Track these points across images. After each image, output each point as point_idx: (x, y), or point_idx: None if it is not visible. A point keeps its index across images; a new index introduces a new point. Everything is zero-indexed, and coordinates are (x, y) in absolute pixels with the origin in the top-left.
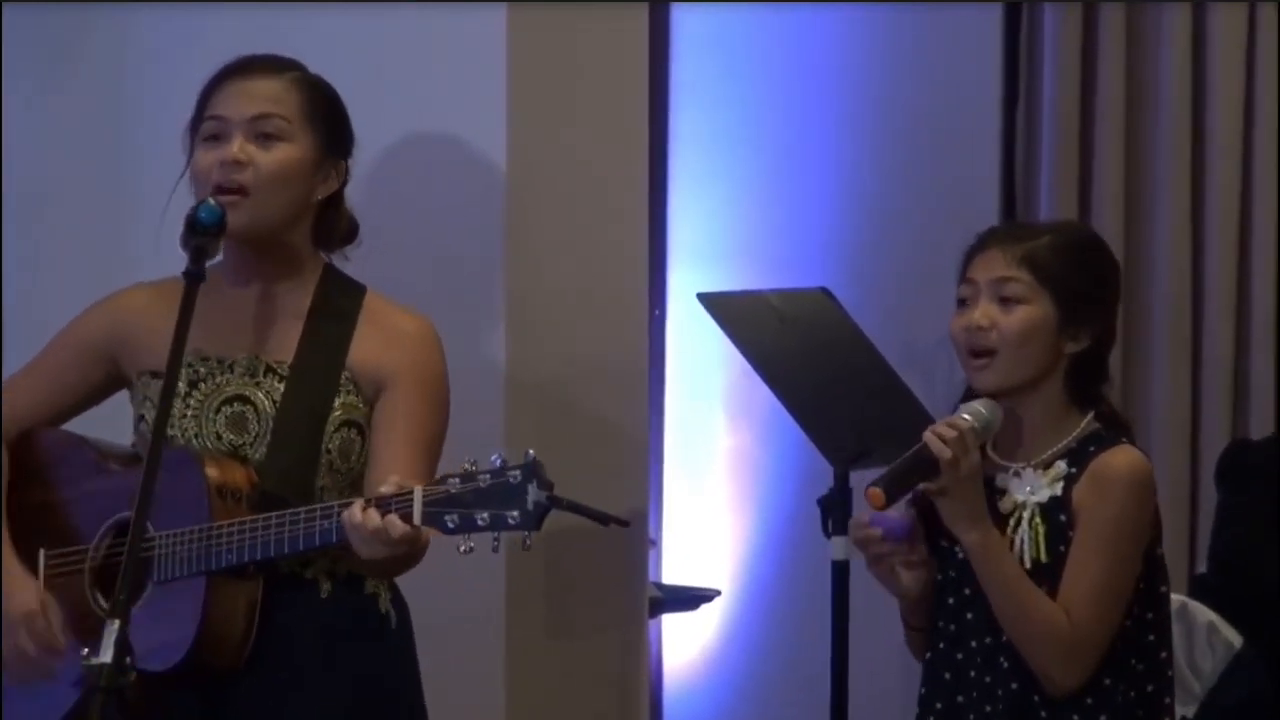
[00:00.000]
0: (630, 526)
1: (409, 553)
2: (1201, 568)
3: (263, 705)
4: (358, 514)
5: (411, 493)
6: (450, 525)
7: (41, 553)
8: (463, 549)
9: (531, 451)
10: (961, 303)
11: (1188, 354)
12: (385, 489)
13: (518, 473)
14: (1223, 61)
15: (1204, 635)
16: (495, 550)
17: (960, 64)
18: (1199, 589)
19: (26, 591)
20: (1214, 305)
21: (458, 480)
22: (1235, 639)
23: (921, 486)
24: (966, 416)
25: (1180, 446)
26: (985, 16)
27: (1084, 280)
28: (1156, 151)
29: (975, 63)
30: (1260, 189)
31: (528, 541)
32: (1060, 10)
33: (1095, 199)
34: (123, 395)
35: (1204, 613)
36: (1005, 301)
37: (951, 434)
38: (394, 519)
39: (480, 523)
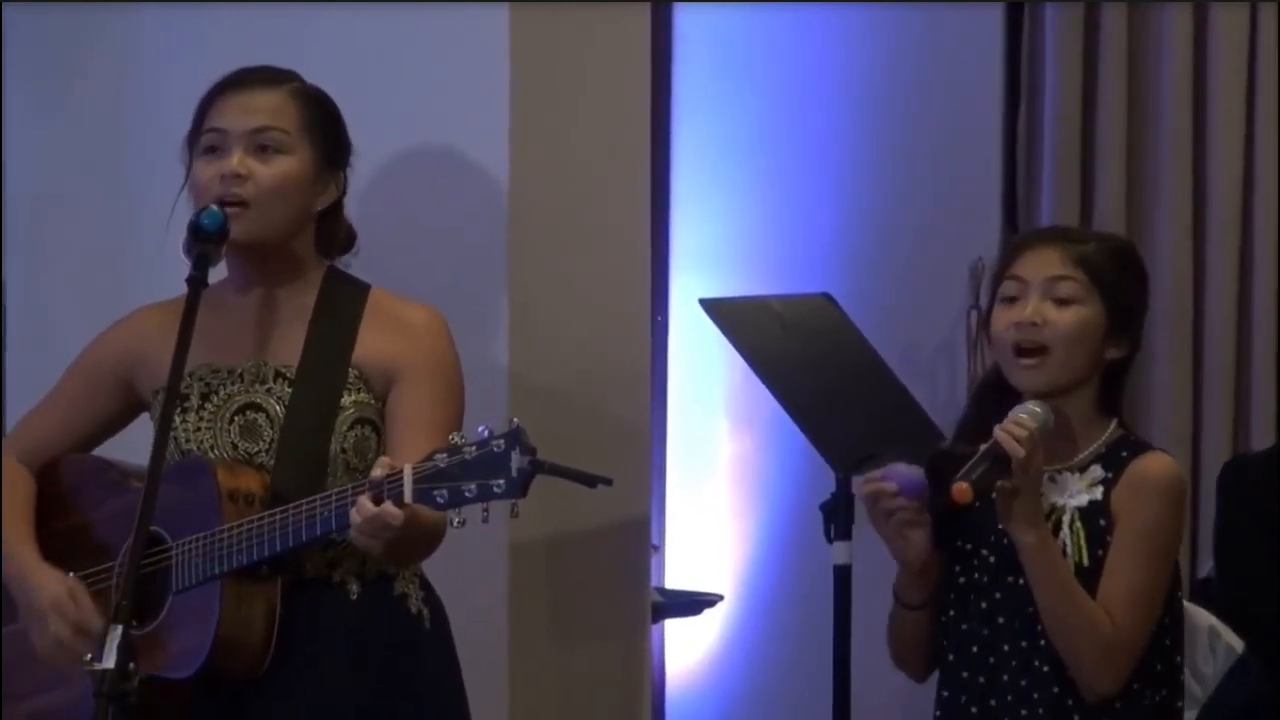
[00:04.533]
0: (613, 485)
1: (417, 534)
2: (1202, 572)
3: (291, 709)
4: (357, 517)
5: (401, 472)
6: (440, 500)
7: (70, 576)
8: (455, 523)
9: (516, 419)
10: (1008, 300)
11: (1189, 359)
12: (376, 472)
13: (501, 441)
14: (1224, 62)
15: (1205, 639)
16: (484, 521)
17: (962, 66)
18: (1199, 594)
19: (51, 583)
20: (1215, 309)
21: (445, 455)
22: (1236, 643)
23: (999, 484)
24: (1025, 416)
25: (1181, 452)
26: (987, 18)
27: (1131, 287)
28: (1158, 154)
29: (977, 65)
30: (1262, 191)
31: (515, 509)
32: (1062, 11)
33: (1097, 201)
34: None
35: (1205, 617)
36: (1059, 301)
37: (1023, 433)
38: (389, 507)
39: (468, 494)
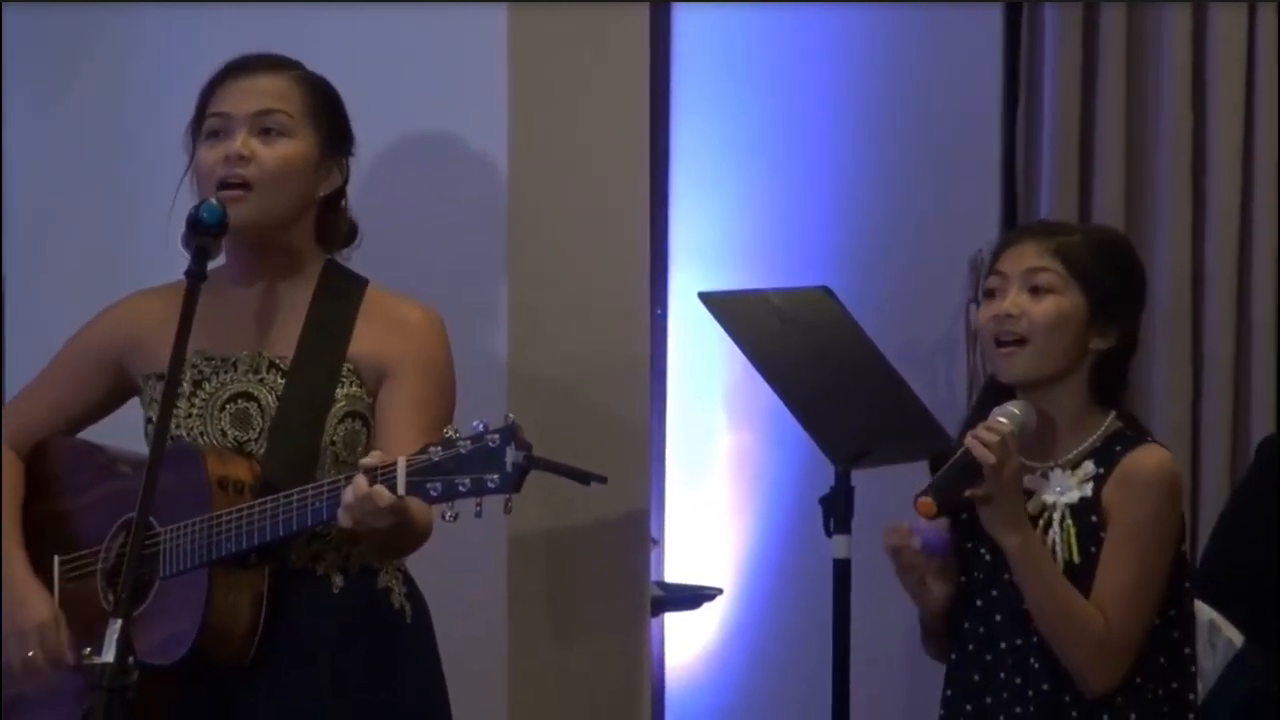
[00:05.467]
0: (607, 482)
1: (405, 530)
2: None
3: (274, 701)
4: (349, 494)
5: (395, 464)
6: (433, 493)
7: (56, 559)
8: (447, 517)
9: (511, 415)
10: (990, 294)
11: (1188, 355)
12: (368, 460)
13: (496, 436)
14: (1223, 62)
15: (1205, 634)
16: (478, 515)
17: (961, 65)
18: (1200, 588)
19: (41, 602)
20: (1214, 306)
21: (439, 449)
22: (1236, 637)
23: (968, 493)
24: (1003, 420)
25: (1181, 447)
26: (986, 17)
27: (1114, 277)
28: (1157, 152)
29: (976, 64)
30: (1261, 190)
31: (509, 504)
32: (1061, 11)
33: (1096, 200)
34: (134, 400)
35: (1205, 611)
36: (1036, 291)
37: (993, 438)
38: (380, 488)
39: (462, 488)
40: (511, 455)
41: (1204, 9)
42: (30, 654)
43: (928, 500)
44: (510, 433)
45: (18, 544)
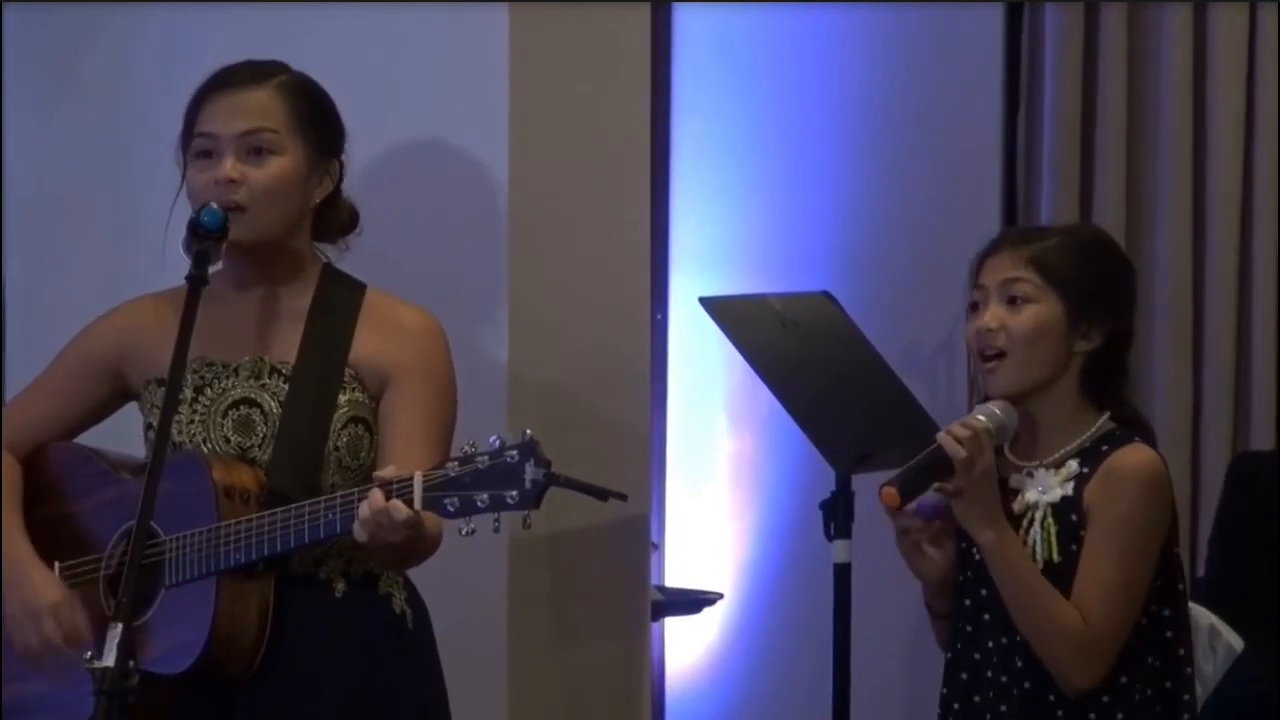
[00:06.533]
0: (627, 500)
1: (417, 543)
2: (1202, 571)
3: (275, 706)
4: (365, 508)
5: (411, 478)
6: (451, 509)
7: (56, 565)
8: (464, 532)
9: (529, 430)
10: (973, 307)
11: (1189, 358)
12: (384, 474)
13: (515, 452)
14: (1224, 63)
15: (1205, 638)
16: (496, 531)
17: (962, 66)
18: (1200, 592)
19: (50, 585)
20: (1215, 309)
21: (456, 464)
22: (1236, 642)
23: (936, 486)
24: (981, 417)
25: (1181, 451)
26: (987, 18)
27: (1092, 278)
28: (1158, 154)
29: (977, 64)
30: (1261, 191)
31: (528, 520)
32: (1062, 11)
33: (1097, 202)
34: (133, 405)
35: (1205, 615)
36: (1013, 302)
37: (965, 433)
38: (397, 502)
39: (480, 504)
40: (531, 472)
41: (1204, 9)
42: (47, 631)
43: (892, 490)
44: (529, 449)
45: (21, 534)
